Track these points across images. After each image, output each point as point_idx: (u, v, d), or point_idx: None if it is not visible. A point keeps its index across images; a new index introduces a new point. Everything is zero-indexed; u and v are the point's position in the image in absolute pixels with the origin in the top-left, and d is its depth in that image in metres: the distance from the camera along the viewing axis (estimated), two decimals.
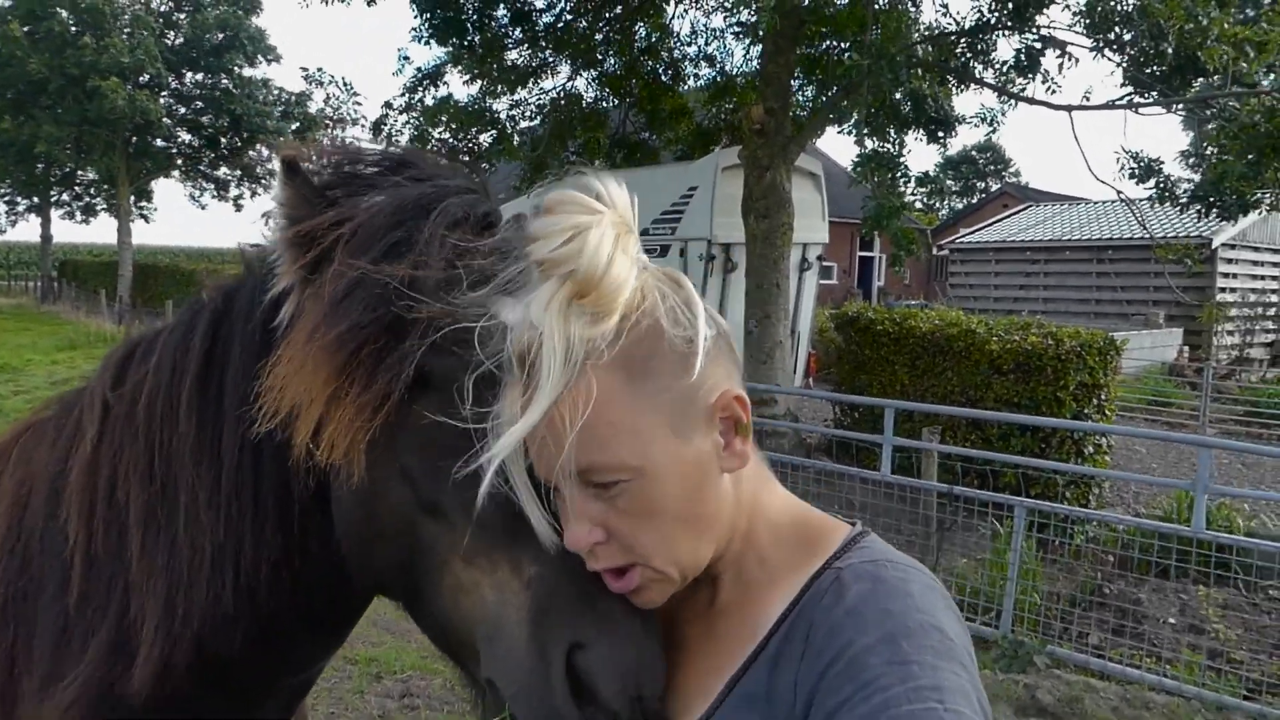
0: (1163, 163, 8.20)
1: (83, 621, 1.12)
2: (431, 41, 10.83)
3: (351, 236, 1.00)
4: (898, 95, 8.83)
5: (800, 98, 11.07)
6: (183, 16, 33.75)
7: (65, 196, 38.39)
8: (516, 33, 11.54)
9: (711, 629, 1.01)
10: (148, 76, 31.01)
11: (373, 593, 1.17)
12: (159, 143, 34.40)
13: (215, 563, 1.09)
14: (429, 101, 11.97)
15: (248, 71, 34.77)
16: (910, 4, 9.55)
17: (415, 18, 10.54)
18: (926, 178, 9.71)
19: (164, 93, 33.36)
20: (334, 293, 0.98)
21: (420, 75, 11.80)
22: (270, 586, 1.12)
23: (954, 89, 9.48)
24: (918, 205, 10.59)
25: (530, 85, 12.44)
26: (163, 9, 33.53)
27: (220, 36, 33.36)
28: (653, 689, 0.94)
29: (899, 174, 9.02)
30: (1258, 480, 10.03)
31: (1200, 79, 7.81)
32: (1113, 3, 8.00)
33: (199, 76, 34.75)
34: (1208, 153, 10.57)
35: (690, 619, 1.03)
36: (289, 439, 1.03)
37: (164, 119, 32.24)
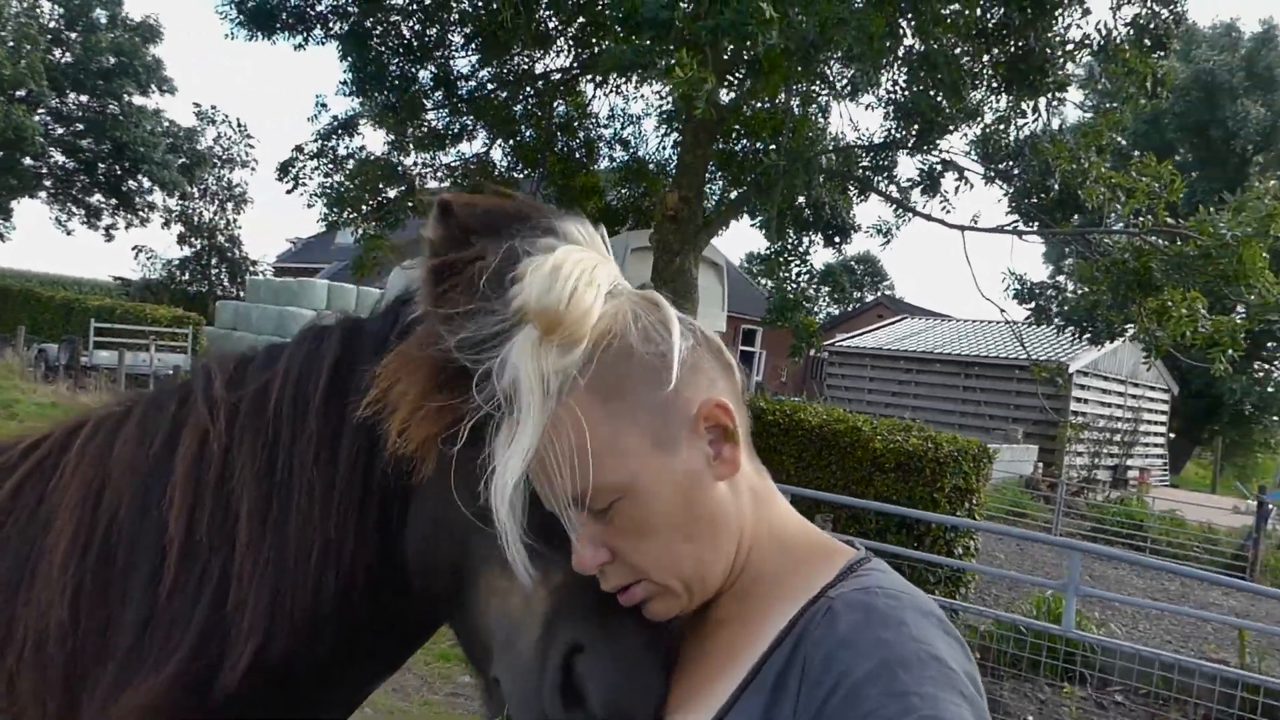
0: (1045, 286, 8.91)
1: (170, 611, 1.13)
2: (355, 94, 10.87)
3: (480, 273, 1.10)
4: (801, 200, 9.30)
5: (710, 189, 11.50)
6: (74, 35, 32.49)
7: None
8: (438, 95, 11.64)
9: (704, 643, 1.00)
10: (25, 91, 29.56)
11: (429, 604, 1.20)
12: (28, 161, 32.64)
13: (322, 558, 1.14)
14: (341, 150, 11.91)
15: (139, 100, 33.63)
16: (820, 115, 10.17)
17: (344, 71, 10.59)
18: (829, 273, 10.21)
19: (41, 109, 31.82)
20: (450, 314, 1.08)
21: (335, 123, 11.73)
22: (362, 589, 1.16)
23: (855, 198, 10.06)
24: (813, 304, 11.16)
25: (446, 148, 12.52)
26: (52, 25, 32.20)
27: (113, 60, 32.24)
28: (644, 712, 0.97)
29: (805, 270, 9.47)
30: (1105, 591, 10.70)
31: (1078, 215, 8.58)
32: (1003, 140, 8.77)
33: (84, 98, 33.37)
34: (1068, 286, 11.52)
35: (684, 629, 1.03)
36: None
37: (39, 137, 30.66)
